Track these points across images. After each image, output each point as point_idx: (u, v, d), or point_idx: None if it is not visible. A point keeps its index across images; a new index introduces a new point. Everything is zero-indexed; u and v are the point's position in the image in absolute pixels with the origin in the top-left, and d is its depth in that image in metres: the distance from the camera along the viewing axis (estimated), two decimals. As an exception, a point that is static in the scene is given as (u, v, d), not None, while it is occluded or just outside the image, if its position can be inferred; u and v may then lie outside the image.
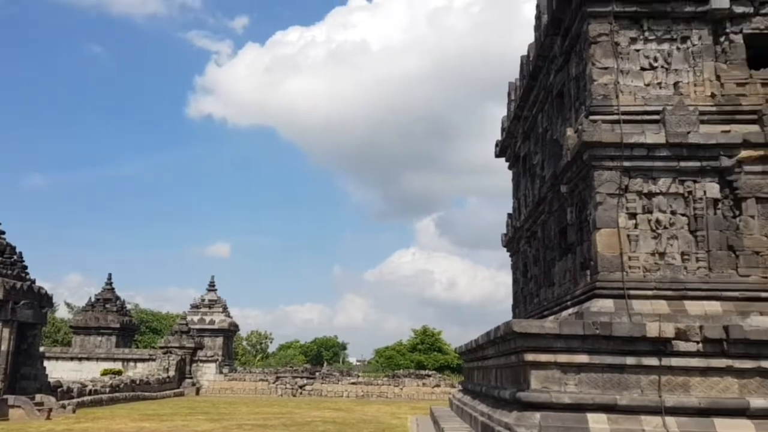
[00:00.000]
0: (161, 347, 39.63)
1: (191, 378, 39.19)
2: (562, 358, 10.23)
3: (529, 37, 17.66)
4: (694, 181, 11.66)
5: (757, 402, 9.81)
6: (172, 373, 37.18)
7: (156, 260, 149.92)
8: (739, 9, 12.12)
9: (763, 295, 11.11)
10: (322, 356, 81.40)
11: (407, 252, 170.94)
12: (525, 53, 17.91)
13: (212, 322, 42.17)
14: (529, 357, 10.32)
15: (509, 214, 21.55)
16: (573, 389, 10.15)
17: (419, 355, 60.78)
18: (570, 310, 12.52)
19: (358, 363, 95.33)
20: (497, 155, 22.90)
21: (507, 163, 22.44)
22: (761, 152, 11.49)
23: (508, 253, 22.15)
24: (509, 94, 20.64)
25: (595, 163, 11.87)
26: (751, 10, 12.16)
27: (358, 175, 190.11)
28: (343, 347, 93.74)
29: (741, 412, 9.81)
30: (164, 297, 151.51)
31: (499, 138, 22.30)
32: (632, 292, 11.27)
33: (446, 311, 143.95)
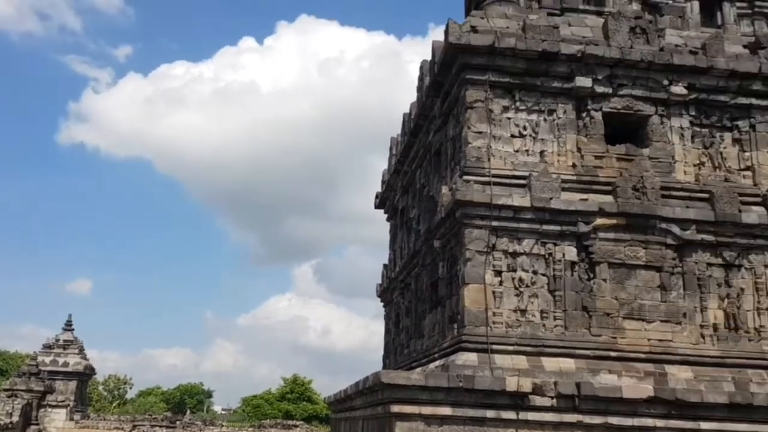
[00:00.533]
0: (5, 390, 36.32)
1: (37, 425, 36.07)
2: (427, 410, 10.40)
3: (412, 95, 18.38)
4: (555, 244, 12.43)
5: (603, 456, 10.40)
6: (15, 418, 34.05)
7: (10, 294, 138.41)
8: (599, 89, 13.26)
9: (612, 354, 11.90)
10: (186, 404, 77.57)
11: (283, 297, 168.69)
12: (407, 111, 18.58)
13: (66, 364, 39.29)
14: (395, 408, 10.41)
15: (385, 265, 21.89)
16: (435, 442, 10.31)
17: (288, 405, 59.40)
18: (437, 363, 12.80)
19: (223, 412, 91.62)
20: (377, 206, 23.35)
21: (386, 215, 22.91)
22: (614, 221, 12.48)
23: (382, 304, 22.41)
24: (391, 149, 21.23)
25: (466, 221, 12.39)
26: (610, 90, 13.34)
27: (238, 217, 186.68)
28: (209, 395, 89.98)
29: (588, 465, 10.35)
30: (17, 335, 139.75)
31: (380, 190, 22.79)
32: (495, 346, 11.72)
33: (319, 359, 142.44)
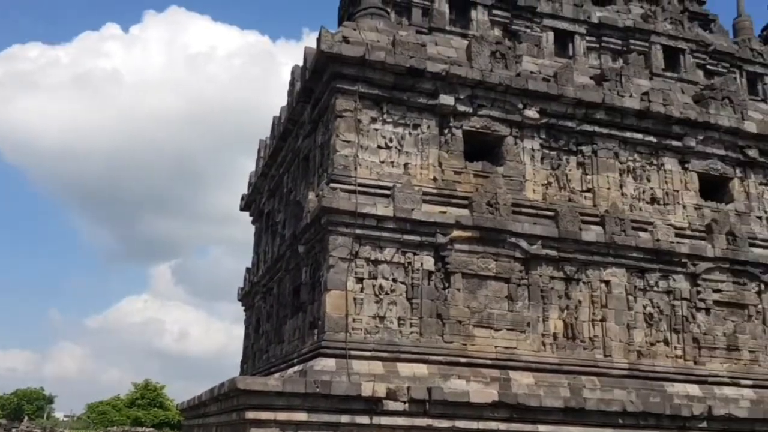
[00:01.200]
0: None
1: None
2: (282, 416, 10.43)
3: (283, 98, 18.33)
4: (414, 254, 12.91)
5: (449, 457, 10.92)
6: None
7: None
8: (461, 108, 13.94)
9: (462, 360, 12.53)
10: (23, 410, 71.80)
11: (138, 299, 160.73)
12: (278, 114, 18.50)
13: None
14: (250, 415, 10.34)
15: (248, 269, 21.61)
16: (289, 447, 10.35)
17: (138, 411, 56.54)
18: (296, 368, 12.85)
19: (66, 419, 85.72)
20: (242, 208, 23.01)
21: (251, 218, 22.62)
22: (469, 233, 13.16)
23: (243, 308, 22.09)
24: (259, 151, 21.03)
25: (331, 228, 12.57)
26: (470, 110, 14.05)
27: (93, 212, 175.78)
28: (50, 400, 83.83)
29: (436, 466, 10.82)
30: None
31: (246, 192, 22.47)
32: (353, 352, 11.96)
33: (175, 364, 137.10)
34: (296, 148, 16.51)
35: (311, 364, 11.96)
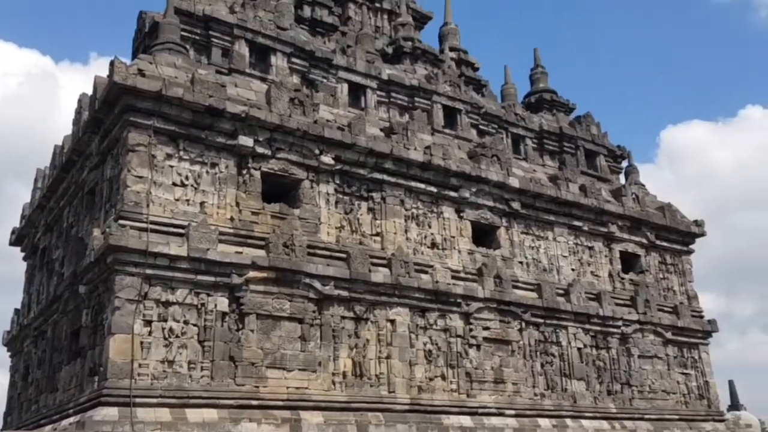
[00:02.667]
0: None
1: None
2: (55, 472, 9.60)
3: (66, 126, 17.16)
4: (208, 295, 12.72)
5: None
6: None
7: None
8: (260, 149, 14.16)
9: (254, 402, 12.51)
10: None
11: None
12: (60, 143, 17.24)
13: None
14: (17, 474, 9.38)
15: (17, 310, 19.54)
16: (63, 506, 9.55)
17: None
18: (72, 419, 11.90)
19: None
20: (12, 243, 20.81)
21: (23, 254, 20.55)
22: (265, 274, 13.30)
23: (9, 353, 19.84)
24: (36, 181, 19.32)
25: (118, 268, 11.96)
26: (269, 152, 14.33)
27: None
28: None
29: None
30: None
31: (18, 225, 20.41)
32: (139, 400, 11.40)
33: None
34: (80, 181, 15.49)
35: (90, 414, 11.17)
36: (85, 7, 62.04)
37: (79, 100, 16.12)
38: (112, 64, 12.89)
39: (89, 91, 15.05)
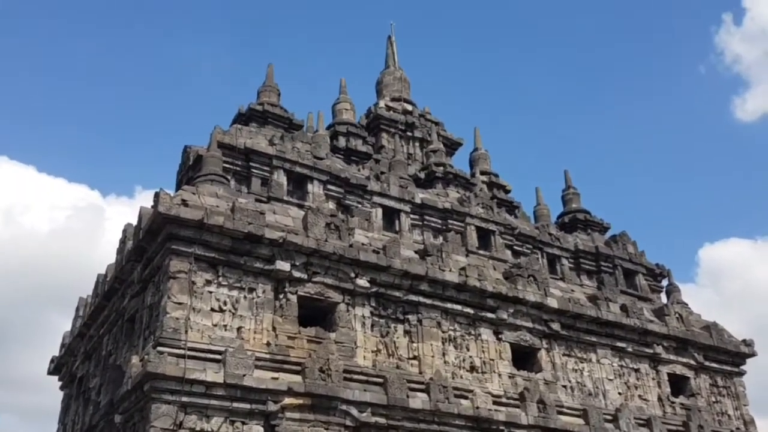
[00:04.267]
0: None
1: None
2: None
3: (110, 256, 17.71)
4: (243, 423, 12.47)
5: None
6: None
7: None
8: (296, 274, 14.36)
9: None
10: None
11: None
12: (103, 272, 17.73)
13: None
14: None
15: (49, 441, 19.29)
16: None
17: None
18: None
19: None
20: (51, 372, 20.91)
21: (60, 383, 20.58)
22: (301, 401, 13.05)
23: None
24: (77, 309, 19.70)
25: (155, 395, 11.89)
26: (305, 276, 14.51)
27: None
28: None
29: None
30: None
31: (57, 354, 20.61)
32: None
33: None
34: (121, 308, 15.77)
35: None
36: (132, 144, 65.78)
37: (124, 230, 16.74)
38: (157, 195, 13.50)
39: (134, 222, 15.67)
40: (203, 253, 13.56)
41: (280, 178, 16.77)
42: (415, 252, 16.76)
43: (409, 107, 24.21)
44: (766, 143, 67.78)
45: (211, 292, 13.53)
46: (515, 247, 19.98)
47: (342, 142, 20.92)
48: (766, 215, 67.80)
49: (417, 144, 23.25)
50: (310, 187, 17.14)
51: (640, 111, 69.47)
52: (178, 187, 17.10)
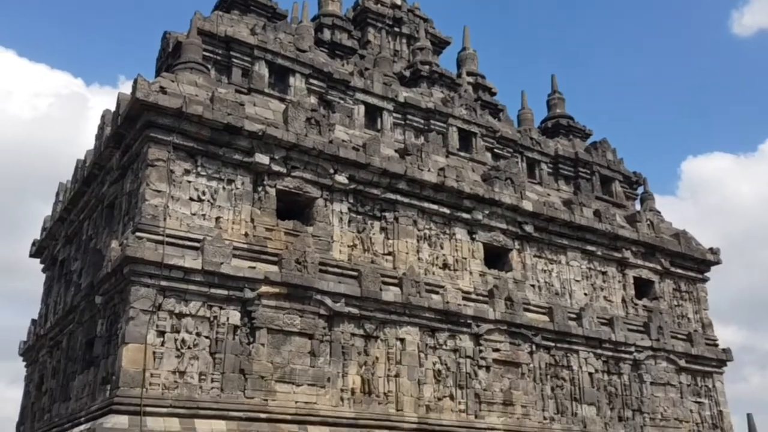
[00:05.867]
0: None
1: None
2: (65, 476, 9.78)
3: (91, 143, 17.63)
4: (221, 308, 12.93)
5: None
6: None
7: None
8: (276, 168, 14.44)
9: (263, 415, 12.62)
10: None
11: None
12: (83, 158, 17.69)
13: None
14: (27, 476, 9.57)
15: (34, 320, 19.89)
16: None
17: None
18: (83, 426, 12.11)
19: None
20: (32, 255, 21.26)
21: (42, 265, 20.97)
22: (277, 290, 13.50)
23: (24, 363, 20.18)
24: (58, 194, 19.80)
25: (134, 279, 12.23)
26: (284, 170, 14.60)
27: None
28: None
29: None
30: None
31: (38, 237, 20.87)
32: (149, 409, 11.58)
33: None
34: (101, 194, 15.87)
35: (101, 421, 11.37)
36: (116, 31, 63.45)
37: (103, 116, 16.57)
38: (135, 81, 13.30)
39: (113, 109, 15.48)
40: (182, 143, 13.55)
41: (262, 69, 16.49)
42: (396, 151, 16.83)
43: (398, 1, 23.52)
44: (761, 59, 66.99)
45: (189, 182, 13.63)
46: (496, 150, 20.09)
47: (327, 35, 20.43)
48: (752, 131, 68.08)
49: (404, 41, 22.79)
50: (291, 80, 16.90)
51: (636, 22, 68.00)
52: (158, 75, 16.80)
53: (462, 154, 18.86)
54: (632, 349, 18.27)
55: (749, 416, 34.87)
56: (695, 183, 65.96)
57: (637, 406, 17.95)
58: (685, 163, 68.76)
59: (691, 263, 20.87)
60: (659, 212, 21.96)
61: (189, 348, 12.45)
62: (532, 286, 17.66)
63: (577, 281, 18.47)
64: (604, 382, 17.66)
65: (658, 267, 20.09)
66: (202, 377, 12.39)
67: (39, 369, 18.33)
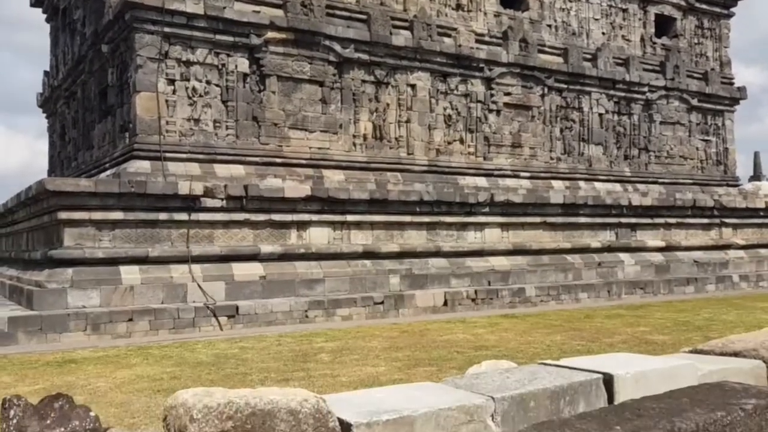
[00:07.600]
0: None
1: None
2: (98, 215, 10.56)
3: None
4: (228, 55, 12.77)
5: (266, 248, 11.88)
6: None
7: None
8: None
9: (278, 160, 13.14)
10: None
11: None
12: None
13: None
14: (63, 215, 10.36)
15: (46, 72, 19.92)
16: (107, 245, 10.65)
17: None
18: (108, 172, 12.74)
19: None
20: (33, 4, 20.57)
21: (44, 15, 20.40)
22: (284, 35, 13.17)
23: (45, 115, 20.66)
24: (45, -64, 18.51)
25: (137, 25, 11.94)
26: None
27: None
28: None
29: (254, 257, 11.77)
30: None
31: (34, -16, 20.01)
32: (168, 154, 12.06)
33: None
34: (90, -65, 14.82)
35: (125, 166, 11.93)
36: None
37: None
38: None
39: None
40: None
41: None
42: None
43: None
44: None
45: None
46: None
47: None
48: None
49: None
50: None
51: None
52: None
53: None
54: (645, 89, 18.14)
55: (756, 154, 35.78)
56: None
57: (644, 145, 18.36)
58: None
59: (720, -2, 19.77)
60: (693, -58, 20.22)
61: (201, 96, 12.56)
62: (549, 26, 17.02)
63: (596, 20, 17.73)
64: (613, 123, 17.87)
65: (682, 2, 19.09)
66: (217, 125, 12.68)
67: (59, 119, 18.81)
